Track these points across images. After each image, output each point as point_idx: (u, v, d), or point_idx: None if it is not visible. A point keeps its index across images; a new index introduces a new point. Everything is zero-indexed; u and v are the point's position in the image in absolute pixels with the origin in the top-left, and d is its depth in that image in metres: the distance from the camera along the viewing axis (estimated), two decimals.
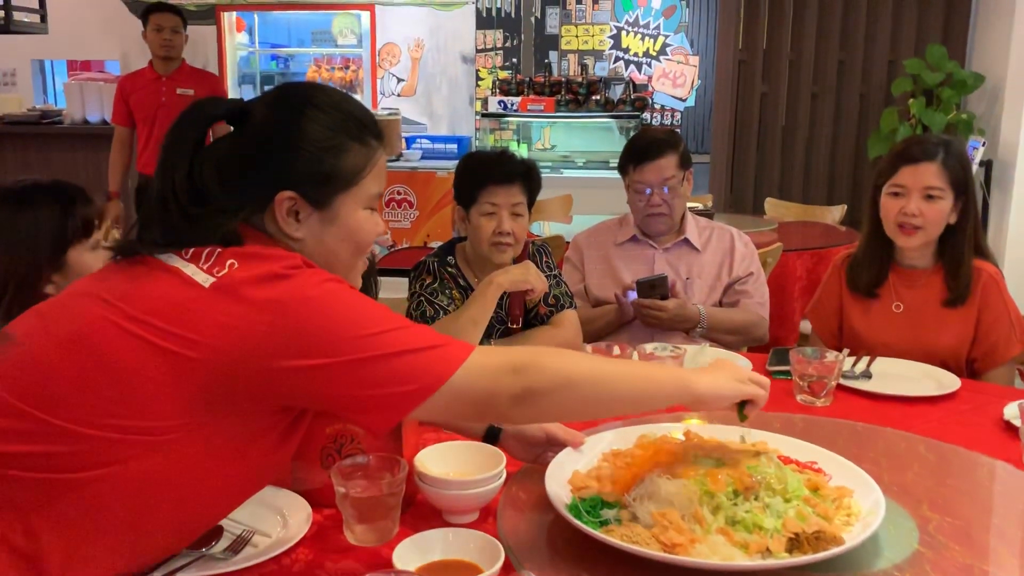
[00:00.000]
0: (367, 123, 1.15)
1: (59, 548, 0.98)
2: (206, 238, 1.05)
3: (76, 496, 0.97)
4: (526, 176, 2.11)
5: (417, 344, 1.02)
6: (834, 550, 1.06)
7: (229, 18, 6.51)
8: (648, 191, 2.43)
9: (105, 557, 1.02)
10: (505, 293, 2.15)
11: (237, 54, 6.65)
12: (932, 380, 1.91)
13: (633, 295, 2.34)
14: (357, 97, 1.29)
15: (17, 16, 5.06)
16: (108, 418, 0.97)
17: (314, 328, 0.99)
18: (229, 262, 1.02)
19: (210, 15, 6.44)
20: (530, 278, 1.96)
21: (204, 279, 1.01)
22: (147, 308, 1.00)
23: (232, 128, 1.14)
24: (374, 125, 1.16)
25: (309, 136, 1.10)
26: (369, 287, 1.68)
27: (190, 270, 1.02)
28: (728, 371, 1.24)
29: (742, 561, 1.06)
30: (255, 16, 6.79)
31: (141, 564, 1.07)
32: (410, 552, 1.10)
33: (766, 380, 1.26)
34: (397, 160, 5.90)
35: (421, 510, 1.28)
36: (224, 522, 1.19)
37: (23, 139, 5.99)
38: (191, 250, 1.05)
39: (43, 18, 5.30)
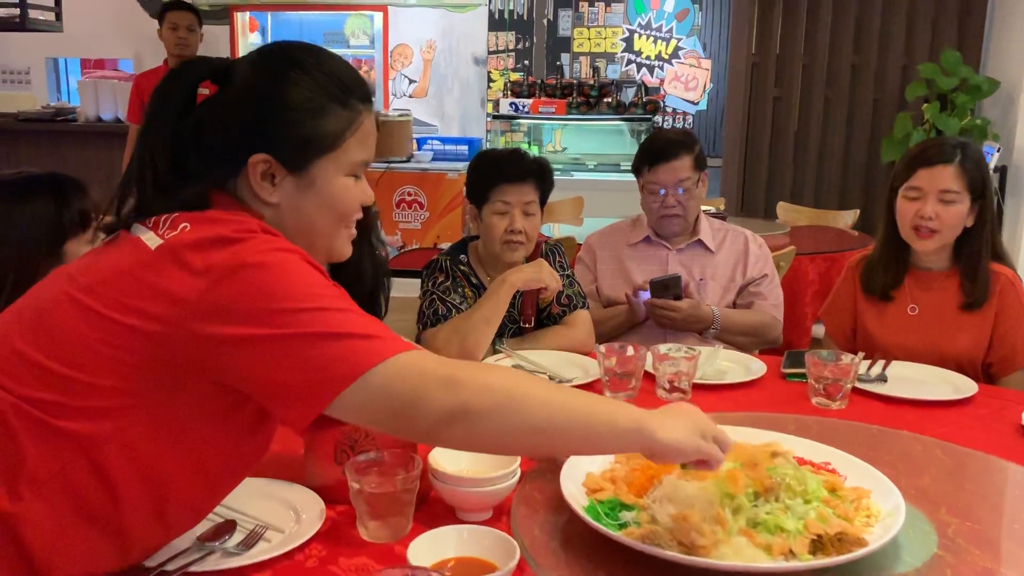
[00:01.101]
0: (352, 85, 1.10)
1: (41, 543, 0.97)
2: (174, 204, 1.03)
3: (45, 492, 0.96)
4: (538, 174, 2.11)
5: (344, 329, 0.95)
6: (858, 552, 1.04)
7: (242, 18, 6.53)
8: (662, 192, 2.42)
9: (89, 550, 1.00)
10: (518, 292, 2.15)
11: None
12: (949, 384, 1.90)
13: (645, 295, 2.33)
14: None
15: (33, 14, 5.10)
16: (62, 397, 0.96)
17: (244, 296, 0.94)
18: (182, 225, 1.00)
19: (224, 15, 6.46)
20: (543, 276, 1.96)
21: (153, 243, 0.99)
22: (99, 278, 0.99)
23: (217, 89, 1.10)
24: (361, 87, 1.11)
25: (288, 97, 1.06)
26: (381, 287, 1.67)
27: (147, 236, 1.00)
28: (692, 421, 1.08)
29: (766, 563, 1.05)
30: (268, 16, 6.81)
31: (136, 555, 1.06)
32: (424, 549, 1.09)
33: (729, 441, 1.11)
34: (408, 161, 5.90)
35: (435, 507, 1.27)
36: (237, 517, 1.19)
37: (37, 136, 6.01)
38: (153, 218, 1.02)
39: (58, 16, 5.35)
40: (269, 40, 6.77)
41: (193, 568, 1.09)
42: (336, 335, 0.94)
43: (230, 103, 1.07)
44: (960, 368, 2.00)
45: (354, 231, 1.17)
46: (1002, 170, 4.99)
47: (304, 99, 1.06)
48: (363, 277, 1.42)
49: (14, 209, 1.54)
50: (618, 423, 1.04)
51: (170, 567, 1.08)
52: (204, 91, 1.11)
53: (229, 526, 1.17)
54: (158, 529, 1.07)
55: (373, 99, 1.14)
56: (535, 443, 1.05)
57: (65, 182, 1.61)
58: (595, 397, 1.10)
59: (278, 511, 1.23)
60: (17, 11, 4.97)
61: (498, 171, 2.10)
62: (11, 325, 1.02)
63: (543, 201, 2.15)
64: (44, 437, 0.96)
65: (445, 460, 1.27)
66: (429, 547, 1.09)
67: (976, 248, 2.07)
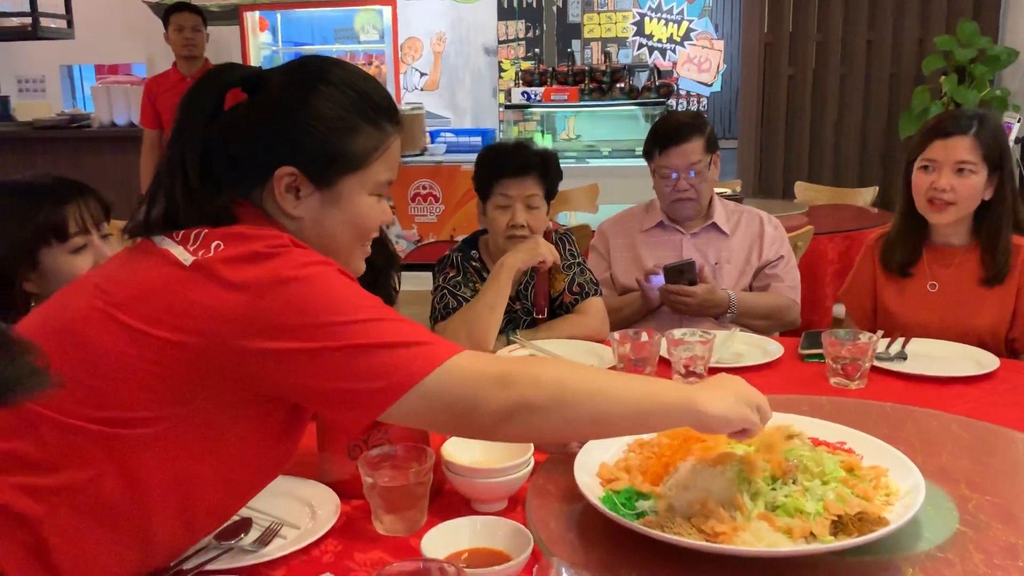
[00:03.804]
0: (384, 106, 1.11)
1: (68, 551, 0.97)
2: (201, 216, 1.03)
3: (74, 499, 0.96)
4: (541, 167, 2.09)
5: (395, 339, 0.96)
6: (880, 531, 1.03)
7: (252, 18, 6.54)
8: (674, 176, 2.40)
9: (115, 556, 1.01)
10: (530, 284, 2.14)
11: (261, 54, 6.69)
12: (970, 360, 1.87)
13: (656, 280, 2.31)
14: None
15: (44, 22, 5.15)
16: (95, 409, 0.96)
17: (288, 310, 0.95)
18: (215, 243, 0.99)
19: (233, 15, 6.48)
20: (540, 251, 1.95)
21: (187, 259, 0.99)
22: (131, 292, 0.99)
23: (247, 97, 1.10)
24: (391, 109, 1.12)
25: (318, 112, 1.06)
26: (390, 280, 1.67)
27: (177, 251, 1.00)
28: (736, 391, 1.10)
29: (788, 547, 1.03)
30: (278, 15, 6.83)
31: (157, 560, 1.07)
32: (438, 541, 1.08)
33: (769, 410, 1.13)
34: (421, 155, 5.89)
35: (449, 500, 1.27)
36: (253, 514, 1.20)
37: (53, 144, 6.07)
38: (182, 232, 1.02)
39: (69, 23, 5.39)
40: (279, 39, 6.84)
41: (210, 566, 1.10)
42: (389, 344, 0.96)
43: (261, 113, 1.07)
44: (983, 344, 1.97)
45: (369, 249, 1.18)
46: (1023, 141, 4.91)
47: (336, 116, 1.06)
48: (373, 270, 1.43)
49: None
50: (666, 403, 1.06)
51: (187, 566, 1.09)
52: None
53: (245, 524, 1.18)
54: (183, 534, 1.07)
55: (401, 122, 1.14)
56: (588, 431, 1.11)
57: (37, 191, 1.60)
58: (640, 379, 1.17)
59: (293, 508, 1.24)
60: (29, 20, 5.01)
61: (499, 165, 2.09)
62: (36, 339, 1.01)
63: (549, 194, 2.12)
64: (75, 446, 0.96)
65: (458, 452, 1.27)
66: (443, 539, 1.09)
67: (996, 221, 2.03)
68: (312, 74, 1.08)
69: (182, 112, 1.07)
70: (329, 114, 1.06)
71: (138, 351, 0.96)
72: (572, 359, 1.90)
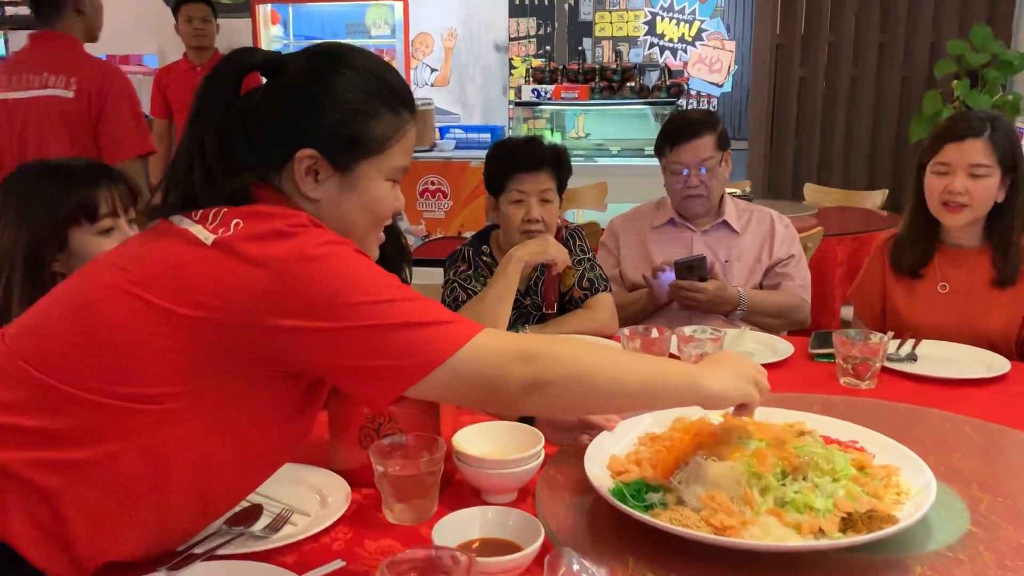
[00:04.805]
0: (401, 93, 1.12)
1: (86, 528, 0.98)
2: (219, 198, 1.04)
3: (93, 475, 0.97)
4: (555, 162, 2.10)
5: (420, 318, 0.98)
6: (889, 529, 1.03)
7: (264, 11, 6.55)
8: (685, 172, 2.40)
9: (132, 534, 1.02)
10: (540, 279, 2.14)
11: (272, 47, 6.69)
12: (981, 363, 1.86)
13: (664, 276, 2.31)
14: None
15: None
16: (114, 385, 0.97)
17: (313, 289, 0.96)
18: (234, 222, 1.00)
19: (245, 8, 6.49)
20: (549, 249, 1.95)
21: (207, 237, 1.00)
22: (152, 270, 1.00)
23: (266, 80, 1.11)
24: (408, 97, 1.13)
25: (340, 97, 1.07)
26: (401, 272, 1.68)
27: (196, 230, 1.01)
28: (736, 368, 1.17)
29: (796, 542, 1.03)
30: (289, 9, 6.83)
31: (171, 539, 1.08)
32: (448, 530, 1.09)
33: (767, 385, 1.20)
34: (431, 150, 5.89)
35: (460, 490, 1.27)
36: (264, 501, 1.20)
37: None
38: (200, 211, 1.03)
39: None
40: (291, 33, 6.84)
41: (221, 551, 1.10)
42: (414, 323, 0.98)
43: (282, 96, 1.08)
44: (993, 346, 1.97)
45: (383, 235, 1.19)
46: None
47: (358, 100, 1.08)
48: (384, 261, 1.43)
49: (22, 192, 1.58)
50: (674, 382, 1.13)
51: (198, 550, 1.09)
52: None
53: (256, 510, 1.18)
54: (198, 514, 1.08)
55: (416, 110, 1.16)
56: (602, 406, 1.18)
57: (71, 170, 1.62)
58: (651, 359, 1.23)
59: (304, 495, 1.24)
60: None
61: (513, 160, 2.09)
62: (55, 317, 1.03)
63: (561, 188, 2.14)
64: (95, 422, 0.97)
65: (469, 442, 1.27)
66: (454, 528, 1.09)
67: (1008, 223, 2.03)
68: (333, 59, 1.09)
69: (201, 93, 1.08)
70: (350, 98, 1.07)
71: (159, 328, 0.97)
72: None
